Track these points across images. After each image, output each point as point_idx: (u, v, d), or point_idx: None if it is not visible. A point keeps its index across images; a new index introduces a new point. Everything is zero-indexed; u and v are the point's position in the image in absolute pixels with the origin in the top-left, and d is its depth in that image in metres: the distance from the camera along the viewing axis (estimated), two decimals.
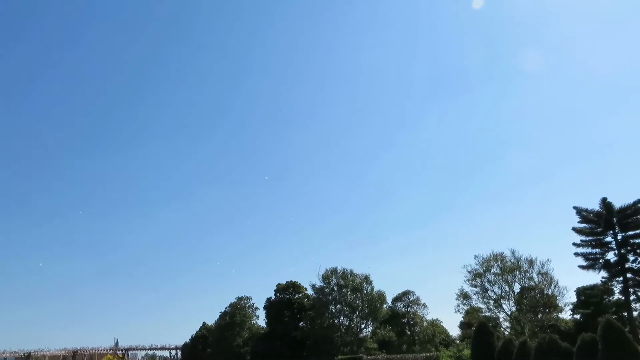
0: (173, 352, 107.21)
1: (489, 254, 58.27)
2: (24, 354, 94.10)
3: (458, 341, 66.95)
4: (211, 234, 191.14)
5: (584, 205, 55.05)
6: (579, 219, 55.04)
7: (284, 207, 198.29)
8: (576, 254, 53.92)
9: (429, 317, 71.40)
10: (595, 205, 53.87)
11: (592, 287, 58.04)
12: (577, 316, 59.67)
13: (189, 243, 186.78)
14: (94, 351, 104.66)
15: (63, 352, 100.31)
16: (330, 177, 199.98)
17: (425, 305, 70.36)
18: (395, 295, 72.44)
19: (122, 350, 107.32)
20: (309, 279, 76.29)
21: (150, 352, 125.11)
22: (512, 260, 55.77)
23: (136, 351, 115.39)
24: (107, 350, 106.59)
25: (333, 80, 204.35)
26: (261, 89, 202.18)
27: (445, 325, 73.36)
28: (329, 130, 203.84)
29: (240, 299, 79.65)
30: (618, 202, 52.54)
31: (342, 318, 66.25)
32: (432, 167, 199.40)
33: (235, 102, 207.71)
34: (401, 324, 67.90)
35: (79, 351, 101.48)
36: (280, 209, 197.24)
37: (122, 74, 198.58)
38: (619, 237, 52.49)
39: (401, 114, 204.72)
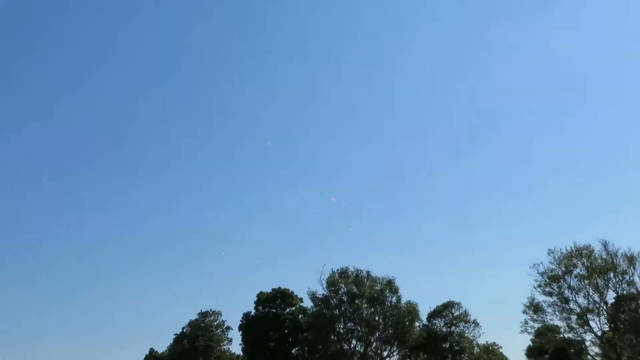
0: None
1: (569, 248, 47.48)
2: None
3: None
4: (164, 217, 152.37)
5: None
6: None
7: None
8: None
9: (482, 341, 58.15)
10: None
11: None
12: None
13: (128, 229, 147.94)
14: None
15: None
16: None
17: (476, 323, 56.56)
18: (432, 309, 58.10)
19: None
20: (307, 285, 59.90)
21: None
22: (604, 257, 45.97)
23: None
24: None
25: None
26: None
27: (506, 351, 59.96)
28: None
29: (204, 314, 65.76)
30: None
31: (354, 342, 54.02)
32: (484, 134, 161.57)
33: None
34: (442, 350, 55.01)
35: None
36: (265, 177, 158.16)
37: None
38: None
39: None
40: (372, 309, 52.90)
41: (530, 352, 57.28)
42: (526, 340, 57.91)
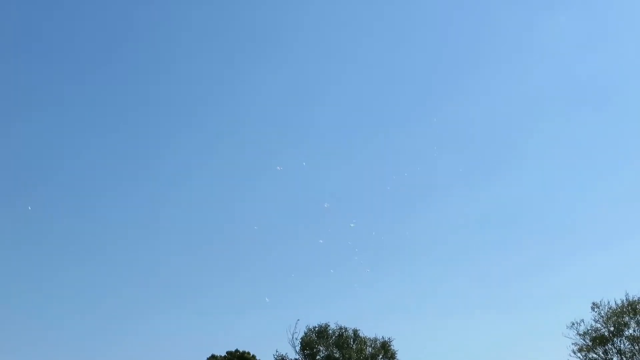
0: None
1: (619, 302, 39.14)
2: None
3: None
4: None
5: None
6: None
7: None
8: None
9: None
10: None
11: None
12: None
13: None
14: None
15: None
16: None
17: None
18: None
19: None
20: (275, 348, 47.65)
21: None
22: None
23: None
24: None
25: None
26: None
27: None
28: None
29: None
30: None
31: None
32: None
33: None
34: None
35: None
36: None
37: None
38: None
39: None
40: None
41: None
42: None
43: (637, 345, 36.19)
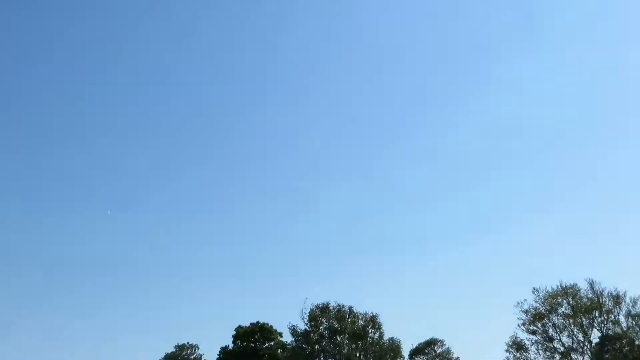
0: None
1: (555, 287, 48.07)
2: None
3: None
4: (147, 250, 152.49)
5: None
6: None
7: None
8: None
9: None
10: None
11: None
12: None
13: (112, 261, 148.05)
14: None
15: None
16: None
17: None
18: (415, 346, 57.31)
19: None
20: (288, 320, 58.54)
21: None
22: (590, 296, 46.97)
23: None
24: None
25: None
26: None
27: None
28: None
29: (181, 347, 64.69)
30: None
31: None
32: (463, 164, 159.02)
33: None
34: None
35: None
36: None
37: None
38: None
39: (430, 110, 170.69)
40: (354, 345, 52.60)
41: None
42: None
43: (567, 320, 45.97)
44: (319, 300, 55.45)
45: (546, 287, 47.15)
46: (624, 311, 45.34)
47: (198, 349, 65.35)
